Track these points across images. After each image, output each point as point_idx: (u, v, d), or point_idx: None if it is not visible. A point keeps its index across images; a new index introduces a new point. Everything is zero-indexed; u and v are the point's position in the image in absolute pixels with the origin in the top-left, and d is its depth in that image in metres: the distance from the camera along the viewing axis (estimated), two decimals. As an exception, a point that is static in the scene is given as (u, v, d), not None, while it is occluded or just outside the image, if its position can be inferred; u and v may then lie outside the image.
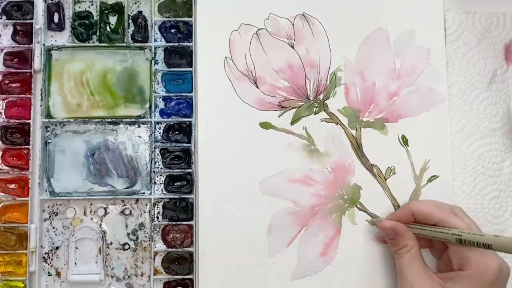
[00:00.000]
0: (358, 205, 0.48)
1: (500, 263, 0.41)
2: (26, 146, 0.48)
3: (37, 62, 0.48)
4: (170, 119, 0.49)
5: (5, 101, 0.48)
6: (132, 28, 0.50)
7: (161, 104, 0.49)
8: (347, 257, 0.47)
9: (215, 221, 0.47)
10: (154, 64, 0.49)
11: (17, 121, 0.48)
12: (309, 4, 0.50)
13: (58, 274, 0.47)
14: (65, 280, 0.47)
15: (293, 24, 0.49)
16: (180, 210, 0.48)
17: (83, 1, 0.50)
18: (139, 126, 0.49)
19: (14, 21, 0.49)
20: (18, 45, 0.49)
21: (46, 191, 0.48)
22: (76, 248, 0.47)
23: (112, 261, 0.48)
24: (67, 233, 0.48)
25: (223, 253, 0.47)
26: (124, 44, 0.49)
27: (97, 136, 0.49)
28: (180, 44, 0.50)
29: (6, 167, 0.48)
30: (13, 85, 0.49)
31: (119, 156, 0.49)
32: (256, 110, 0.48)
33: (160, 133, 0.49)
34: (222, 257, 0.47)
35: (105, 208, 0.48)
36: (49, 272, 0.47)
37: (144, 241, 0.48)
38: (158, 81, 0.49)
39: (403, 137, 0.49)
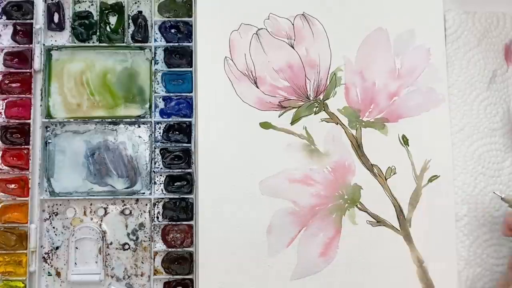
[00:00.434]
0: (359, 205, 0.48)
1: None
2: (26, 146, 0.48)
3: (37, 62, 0.48)
4: (170, 119, 0.49)
5: (5, 101, 0.48)
6: (132, 28, 0.50)
7: (161, 104, 0.49)
8: (347, 257, 0.47)
9: (215, 221, 0.47)
10: (154, 64, 0.49)
11: (17, 121, 0.48)
12: (309, 4, 0.50)
13: (58, 274, 0.47)
14: (65, 280, 0.47)
15: (293, 24, 0.49)
16: (180, 210, 0.48)
17: (83, 1, 0.50)
18: (139, 126, 0.49)
19: (14, 21, 0.49)
20: (18, 45, 0.49)
21: (46, 191, 0.48)
22: (76, 248, 0.47)
23: (112, 261, 0.48)
24: (67, 233, 0.48)
25: (223, 253, 0.47)
26: (124, 44, 0.49)
27: (97, 136, 0.49)
28: (180, 44, 0.50)
29: (6, 167, 0.48)
30: (13, 85, 0.49)
31: (119, 156, 0.49)
32: (256, 110, 0.48)
33: (160, 133, 0.49)
34: (222, 257, 0.47)
35: (105, 208, 0.48)
36: (49, 272, 0.47)
37: (144, 241, 0.48)
38: (158, 81, 0.49)
39: (404, 137, 0.49)
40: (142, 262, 0.48)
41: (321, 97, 0.49)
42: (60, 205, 0.48)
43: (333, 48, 0.50)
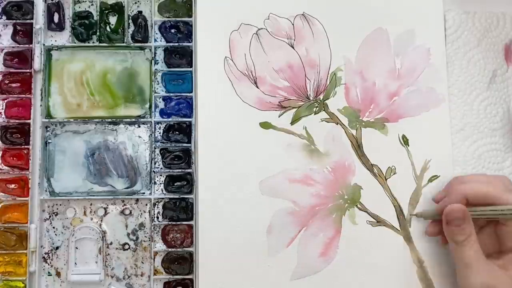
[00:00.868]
0: (359, 205, 0.48)
1: None
2: (26, 146, 0.48)
3: (37, 62, 0.48)
4: (170, 119, 0.49)
5: (5, 101, 0.48)
6: (132, 28, 0.50)
7: (161, 104, 0.49)
8: (347, 257, 0.47)
9: (215, 221, 0.47)
10: (154, 64, 0.49)
11: (17, 121, 0.48)
12: (309, 4, 0.50)
13: (58, 274, 0.47)
14: (65, 280, 0.47)
15: (293, 24, 0.49)
16: (180, 210, 0.48)
17: (83, 1, 0.50)
18: (139, 126, 0.49)
19: (14, 21, 0.49)
20: (18, 45, 0.49)
21: (46, 191, 0.48)
22: (76, 248, 0.47)
23: (112, 261, 0.48)
24: (67, 233, 0.48)
25: (223, 253, 0.47)
26: (124, 44, 0.49)
27: (97, 136, 0.49)
28: (180, 44, 0.50)
29: (6, 167, 0.48)
30: (13, 85, 0.49)
31: (119, 156, 0.49)
32: (256, 110, 0.48)
33: (160, 133, 0.49)
34: (222, 257, 0.47)
35: (105, 208, 0.48)
36: (49, 272, 0.47)
37: (144, 241, 0.48)
38: (158, 81, 0.49)
39: (404, 137, 0.49)
40: (142, 262, 0.48)
41: (321, 97, 0.49)
42: (60, 205, 0.48)
43: (333, 48, 0.50)
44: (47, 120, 0.48)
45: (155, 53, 0.49)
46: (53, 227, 0.48)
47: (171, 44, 0.50)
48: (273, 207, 0.47)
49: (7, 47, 0.49)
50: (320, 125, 0.49)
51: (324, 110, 0.49)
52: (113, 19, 0.50)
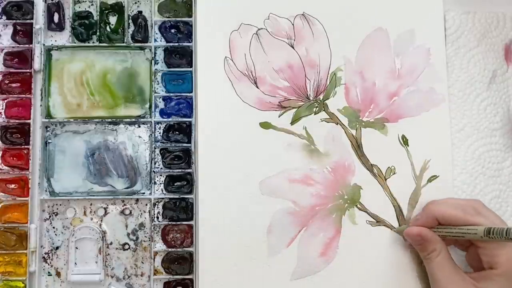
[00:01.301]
0: (358, 205, 0.48)
1: None
2: (26, 146, 0.48)
3: (37, 62, 0.48)
4: (170, 119, 0.49)
5: (5, 101, 0.48)
6: (132, 28, 0.50)
7: (161, 104, 0.49)
8: (347, 257, 0.47)
9: (215, 221, 0.47)
10: (154, 64, 0.49)
11: (17, 121, 0.48)
12: (309, 4, 0.50)
13: (58, 274, 0.47)
14: (65, 280, 0.47)
15: (293, 24, 0.49)
16: (180, 210, 0.48)
17: (83, 1, 0.50)
18: (139, 126, 0.49)
19: (14, 21, 0.49)
20: (18, 45, 0.49)
21: (46, 191, 0.48)
22: (76, 248, 0.47)
23: (112, 261, 0.48)
24: (67, 233, 0.48)
25: (223, 253, 0.47)
26: (124, 44, 0.49)
27: (97, 136, 0.49)
28: (180, 44, 0.50)
29: (6, 167, 0.48)
30: (13, 85, 0.49)
31: (119, 156, 0.49)
32: (256, 110, 0.48)
33: (160, 133, 0.49)
34: (222, 257, 0.47)
35: (105, 208, 0.48)
36: (49, 272, 0.47)
37: (144, 241, 0.48)
38: (158, 81, 0.49)
39: (403, 137, 0.49)
40: (142, 262, 0.48)
41: (321, 97, 0.49)
42: (60, 205, 0.48)
43: (333, 48, 0.50)
44: (47, 120, 0.48)
45: (155, 53, 0.49)
46: (53, 227, 0.48)
47: (171, 44, 0.50)
48: (273, 207, 0.47)
49: (7, 47, 0.49)
50: (320, 125, 0.49)
51: (324, 110, 0.49)
52: (113, 19, 0.50)
